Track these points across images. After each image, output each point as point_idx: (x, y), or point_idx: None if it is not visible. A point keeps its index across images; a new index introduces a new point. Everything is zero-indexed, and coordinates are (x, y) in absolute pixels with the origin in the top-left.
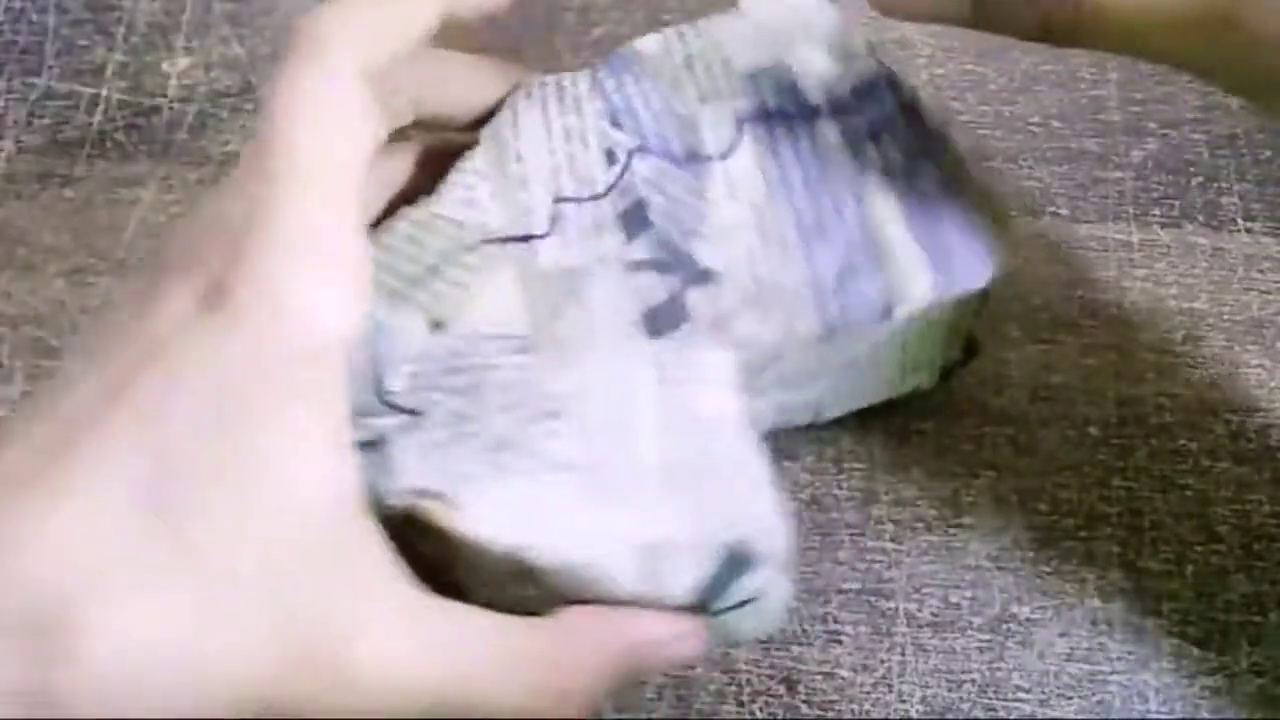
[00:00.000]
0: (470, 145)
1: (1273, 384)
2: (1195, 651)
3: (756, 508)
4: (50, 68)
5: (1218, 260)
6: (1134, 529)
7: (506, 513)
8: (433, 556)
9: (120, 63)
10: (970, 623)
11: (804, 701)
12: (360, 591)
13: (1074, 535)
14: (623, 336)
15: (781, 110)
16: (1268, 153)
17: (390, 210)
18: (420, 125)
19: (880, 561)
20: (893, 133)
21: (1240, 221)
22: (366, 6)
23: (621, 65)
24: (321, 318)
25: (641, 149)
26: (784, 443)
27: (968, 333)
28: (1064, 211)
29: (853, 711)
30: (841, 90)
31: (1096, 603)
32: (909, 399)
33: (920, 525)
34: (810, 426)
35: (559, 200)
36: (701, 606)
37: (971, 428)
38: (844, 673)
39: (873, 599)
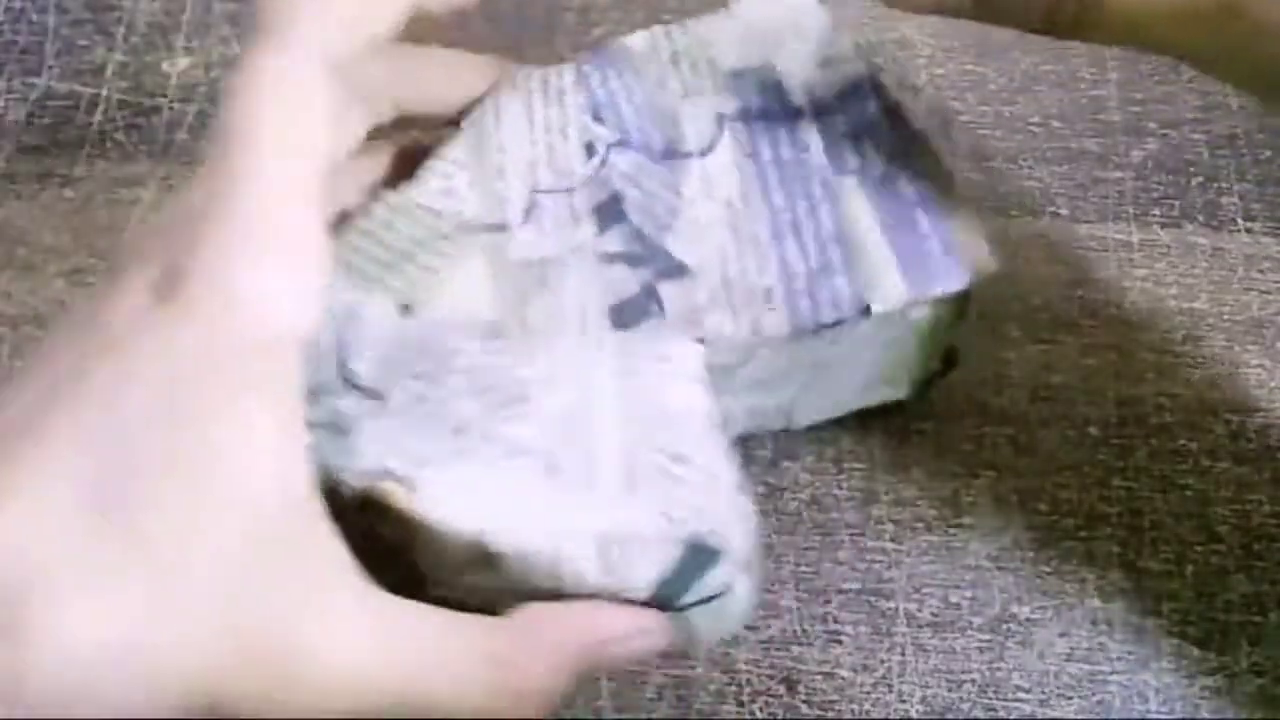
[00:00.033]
0: (450, 136)
1: (1273, 384)
2: (1195, 651)
3: (721, 502)
4: (50, 68)
5: (1218, 260)
6: (1134, 529)
7: (465, 496)
8: (393, 540)
9: (120, 63)
10: (970, 623)
11: (804, 701)
12: (313, 587)
13: (1074, 535)
14: (591, 327)
15: (764, 110)
16: (1268, 153)
17: None
18: (403, 123)
19: (880, 561)
20: (875, 137)
21: (1240, 221)
22: None
23: (607, 60)
24: (276, 309)
25: (621, 143)
26: (784, 443)
27: (946, 345)
28: (1064, 211)
29: (853, 711)
30: (826, 93)
31: (1096, 603)
32: (919, 394)
33: (920, 525)
34: (810, 426)
35: (535, 191)
36: (665, 601)
37: (971, 428)
38: (844, 673)
39: (873, 599)
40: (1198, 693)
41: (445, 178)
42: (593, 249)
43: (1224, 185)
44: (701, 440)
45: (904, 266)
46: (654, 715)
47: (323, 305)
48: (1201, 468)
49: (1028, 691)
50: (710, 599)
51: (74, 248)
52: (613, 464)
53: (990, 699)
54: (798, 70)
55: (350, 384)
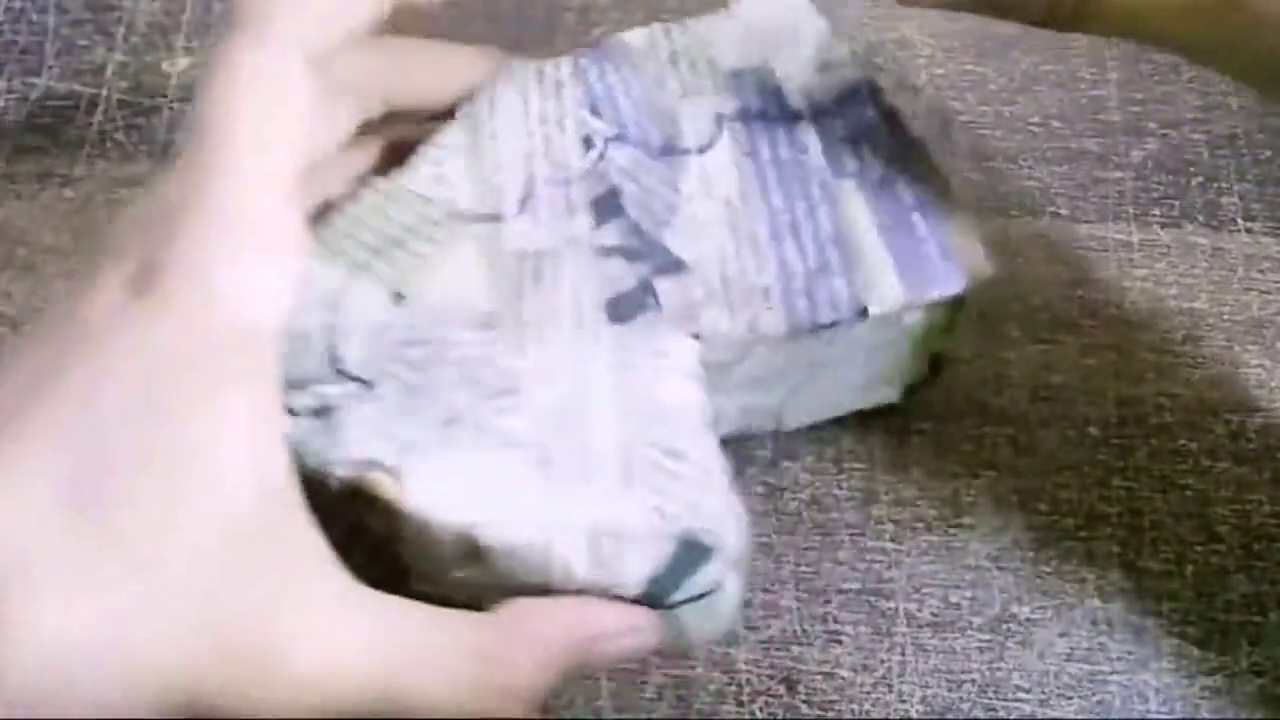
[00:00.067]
0: (444, 124)
1: (1273, 384)
2: (1195, 651)
3: (713, 500)
4: (50, 68)
5: (1218, 260)
6: (1134, 529)
7: (453, 486)
8: (380, 532)
9: (120, 63)
10: (970, 623)
11: (804, 701)
12: (290, 579)
13: (1074, 535)
14: (586, 320)
15: (762, 111)
16: (1268, 153)
17: None
18: (393, 118)
19: (880, 561)
20: (872, 141)
21: (1240, 221)
22: None
23: (605, 54)
24: (252, 303)
25: (619, 138)
26: (784, 443)
27: (935, 351)
28: (1064, 211)
29: (853, 711)
30: (824, 96)
31: (1096, 603)
32: (909, 399)
33: (920, 525)
34: (811, 427)
35: (532, 182)
36: (655, 598)
37: (971, 428)
38: (844, 673)
39: (873, 599)
40: (1198, 693)
41: (437, 164)
42: (589, 242)
43: (1224, 185)
44: (695, 436)
45: (901, 269)
46: (654, 715)
47: (298, 298)
48: (1201, 468)
49: (1028, 691)
50: (700, 597)
51: (74, 248)
52: (606, 458)
53: (990, 699)
54: (796, 74)
55: (338, 371)
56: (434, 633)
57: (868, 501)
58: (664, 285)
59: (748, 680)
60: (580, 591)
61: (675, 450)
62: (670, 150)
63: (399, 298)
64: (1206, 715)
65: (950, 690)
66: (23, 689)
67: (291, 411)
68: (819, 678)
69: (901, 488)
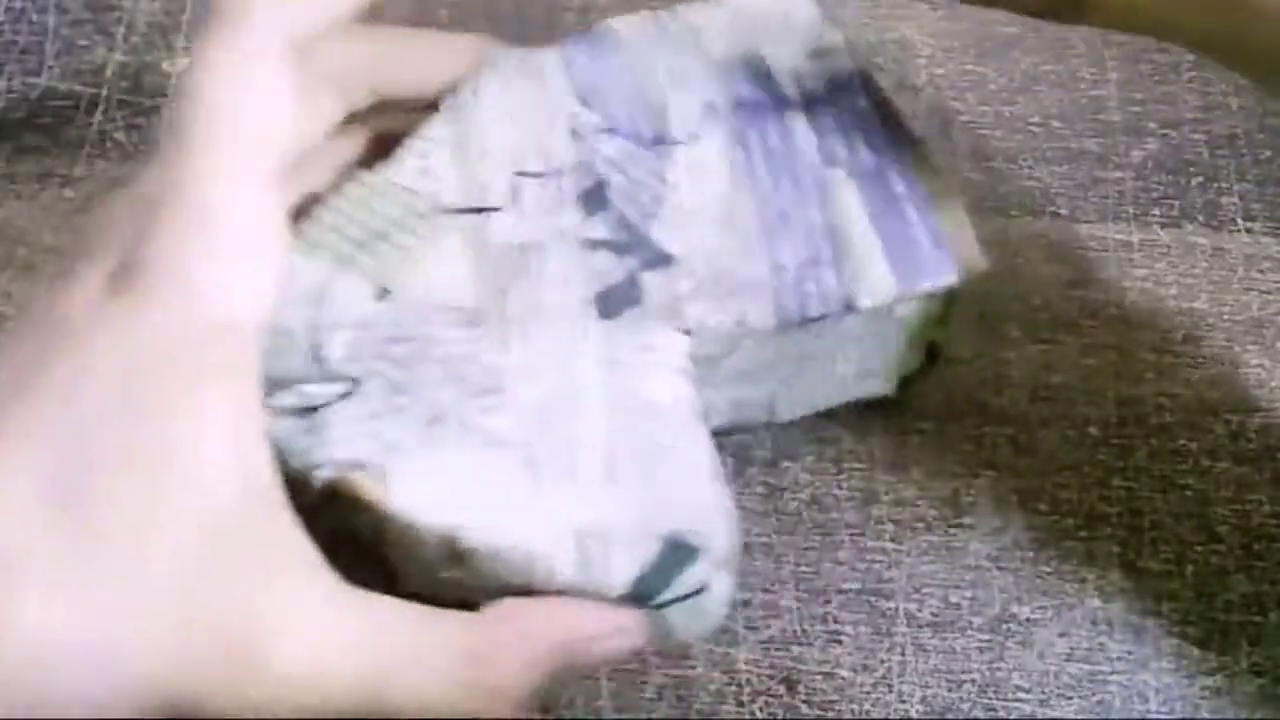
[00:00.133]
0: (428, 116)
1: (1273, 384)
2: (1195, 651)
3: (701, 498)
4: (50, 68)
5: (1218, 260)
6: (1134, 529)
7: (438, 487)
8: (365, 532)
9: (120, 63)
10: (970, 623)
11: (804, 701)
12: (276, 580)
13: (1074, 535)
14: (573, 315)
15: (753, 100)
16: (1268, 153)
17: None
18: (380, 108)
19: (880, 561)
20: (864, 131)
21: (1240, 221)
22: None
23: (593, 43)
24: (234, 298)
25: (607, 129)
26: (784, 443)
27: (929, 341)
28: (1064, 211)
29: (853, 711)
30: (815, 86)
31: (1096, 603)
32: (909, 399)
33: (920, 525)
34: (810, 426)
35: (519, 174)
36: (641, 598)
37: (971, 428)
38: (844, 673)
39: (873, 599)
40: (1198, 693)
41: (422, 157)
42: (576, 235)
43: (1224, 185)
44: (684, 433)
45: (892, 261)
46: (654, 715)
47: (281, 293)
48: (1201, 468)
49: (1028, 691)
50: (688, 596)
51: None
52: (592, 457)
53: (990, 699)
54: (787, 61)
55: (322, 369)
56: (421, 633)
57: (868, 501)
58: (652, 279)
59: (748, 680)
60: (567, 592)
61: (663, 448)
62: (659, 140)
63: (384, 292)
64: (1206, 715)
65: (950, 690)
66: (3, 686)
67: (275, 411)
68: (819, 678)
69: (901, 488)
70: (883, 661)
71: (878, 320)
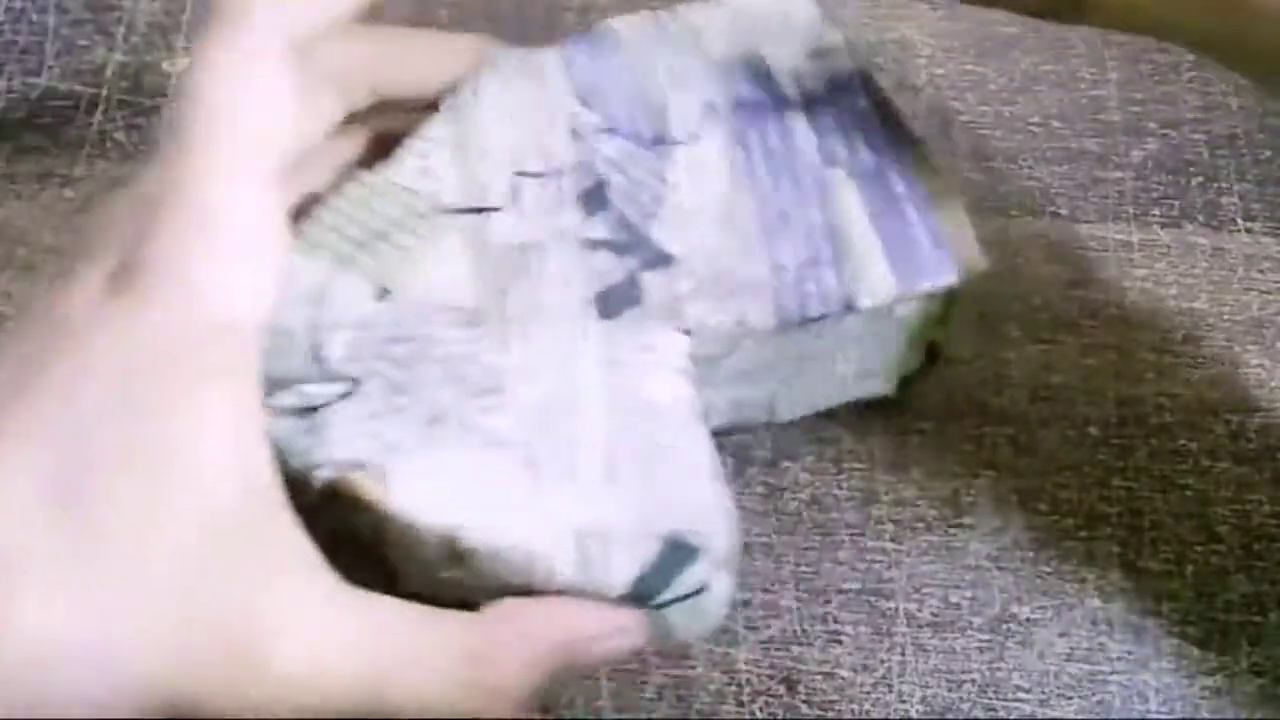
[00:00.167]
0: (428, 116)
1: (1273, 384)
2: (1195, 651)
3: (701, 498)
4: (50, 68)
5: (1218, 260)
6: (1134, 529)
7: (438, 487)
8: (365, 533)
9: (120, 63)
10: (970, 623)
11: (804, 701)
12: (276, 580)
13: (1074, 535)
14: (573, 315)
15: (753, 100)
16: (1268, 153)
17: None
18: (381, 108)
19: (880, 561)
20: (864, 131)
21: (1240, 221)
22: None
23: (593, 43)
24: (234, 297)
25: (607, 129)
26: (784, 443)
27: (929, 341)
28: (1064, 211)
29: (853, 711)
30: (815, 85)
31: (1096, 603)
32: (909, 399)
33: (920, 525)
34: (810, 426)
35: (519, 174)
36: (642, 598)
37: (971, 428)
38: (844, 673)
39: (873, 599)
40: (1198, 693)
41: (422, 157)
42: (576, 235)
43: (1224, 185)
44: (684, 433)
45: (892, 261)
46: (654, 715)
47: (281, 293)
48: (1201, 468)
49: (1028, 691)
50: (687, 596)
51: None
52: (593, 457)
53: (990, 699)
54: (787, 60)
55: (322, 369)
56: (422, 633)
57: (868, 501)
58: (651, 279)
59: (748, 680)
60: (567, 592)
61: (663, 448)
62: (659, 140)
63: (384, 292)
64: (1206, 715)
65: (950, 690)
66: (3, 686)
67: (275, 411)
68: (819, 678)
69: (901, 488)
70: (883, 661)
71: (878, 320)
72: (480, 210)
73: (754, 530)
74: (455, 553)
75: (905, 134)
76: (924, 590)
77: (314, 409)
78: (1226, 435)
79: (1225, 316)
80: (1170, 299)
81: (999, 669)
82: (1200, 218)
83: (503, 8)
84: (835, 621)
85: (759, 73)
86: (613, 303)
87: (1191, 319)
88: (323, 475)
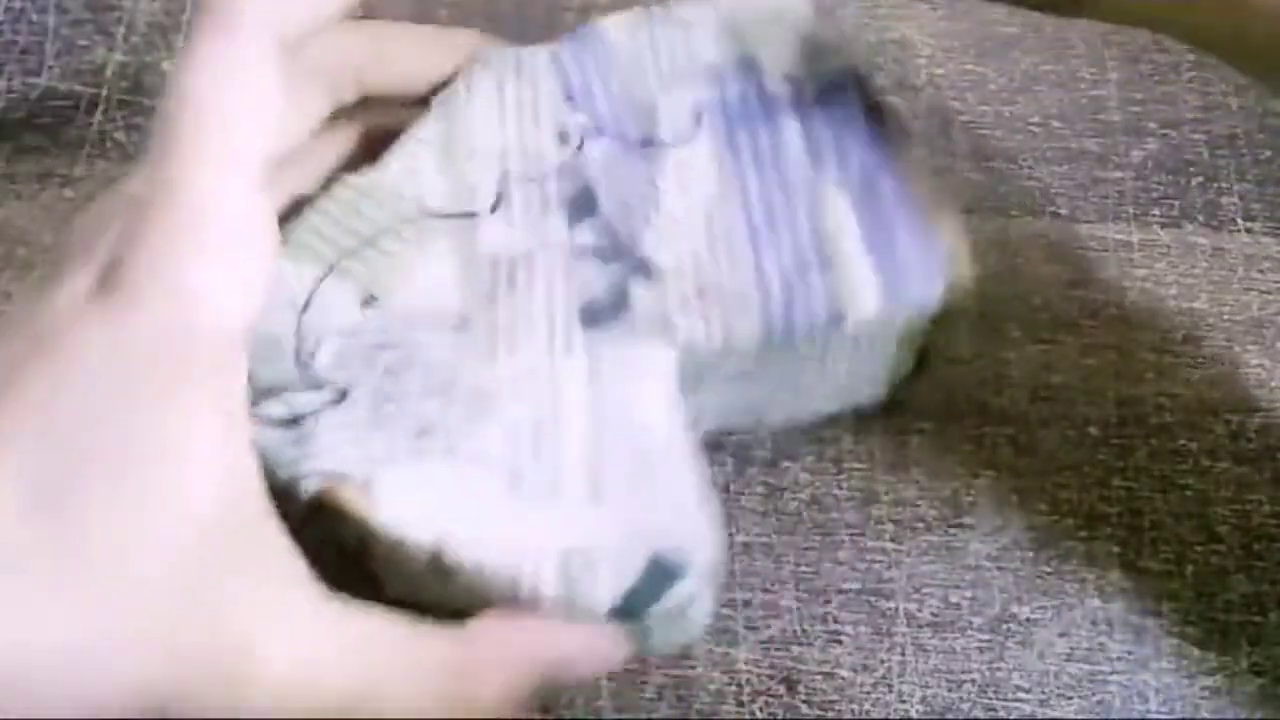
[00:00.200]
0: (418, 116)
1: (1273, 384)
2: (1195, 651)
3: (687, 515)
4: (50, 68)
5: (1218, 260)
6: (1134, 529)
7: (423, 500)
8: (350, 545)
9: (120, 63)
10: (970, 623)
11: (804, 701)
12: (262, 588)
13: (1074, 535)
14: (560, 326)
15: (743, 103)
16: (1268, 153)
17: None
18: (369, 103)
19: (880, 561)
20: (855, 135)
21: (1240, 221)
22: None
23: (583, 43)
24: (220, 301)
25: (596, 130)
26: (784, 443)
27: (921, 346)
28: (1064, 211)
29: (853, 711)
30: (808, 87)
31: (1096, 603)
32: (909, 399)
33: (920, 525)
34: (810, 426)
35: (506, 178)
36: (625, 616)
37: (971, 428)
38: (844, 673)
39: (873, 599)
40: (1198, 693)
41: (411, 159)
42: (564, 243)
43: (1224, 185)
44: (669, 448)
45: (881, 274)
46: (654, 715)
47: (268, 298)
48: (1201, 468)
49: (1028, 691)
50: (671, 612)
51: None
52: (578, 476)
53: (990, 699)
54: (779, 63)
55: (309, 377)
56: (406, 645)
57: (868, 501)
58: (638, 289)
59: (748, 680)
60: (553, 608)
61: (649, 465)
62: (647, 142)
63: (371, 299)
64: (1206, 715)
65: (950, 690)
66: None
67: (262, 420)
68: (819, 678)
69: (901, 488)
70: (883, 661)
71: (866, 330)
72: (469, 215)
73: (754, 530)
74: (440, 566)
75: (899, 138)
76: (924, 590)
77: (300, 419)
78: (1226, 435)
79: (1225, 316)
80: (1170, 299)
81: (999, 669)
82: (1200, 218)
83: (503, 7)
84: (835, 621)
85: (751, 75)
86: (599, 314)
87: (1191, 319)
88: (309, 486)
